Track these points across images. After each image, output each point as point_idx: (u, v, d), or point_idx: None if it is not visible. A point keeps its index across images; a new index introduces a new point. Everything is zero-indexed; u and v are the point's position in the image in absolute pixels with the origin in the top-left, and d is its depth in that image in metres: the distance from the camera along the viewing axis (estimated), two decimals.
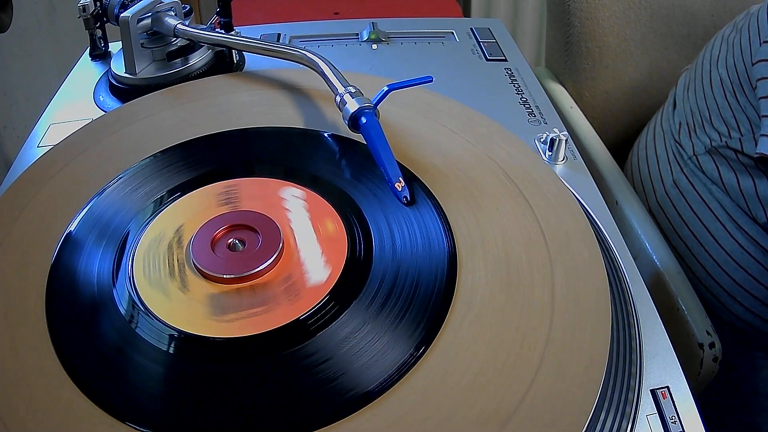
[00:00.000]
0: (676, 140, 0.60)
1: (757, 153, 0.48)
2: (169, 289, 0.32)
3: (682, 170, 0.58)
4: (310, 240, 0.34)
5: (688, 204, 0.58)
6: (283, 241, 0.34)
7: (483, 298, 0.31)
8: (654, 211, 0.62)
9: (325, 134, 0.42)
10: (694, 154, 0.57)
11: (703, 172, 0.56)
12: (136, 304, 0.31)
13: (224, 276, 0.32)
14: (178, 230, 0.35)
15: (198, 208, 0.36)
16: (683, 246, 0.58)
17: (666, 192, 0.61)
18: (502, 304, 0.31)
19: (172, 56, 0.51)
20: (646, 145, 0.67)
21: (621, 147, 0.80)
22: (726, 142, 0.53)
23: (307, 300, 0.31)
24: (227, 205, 0.36)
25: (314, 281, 0.32)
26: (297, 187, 0.37)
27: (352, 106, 0.39)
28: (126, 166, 0.39)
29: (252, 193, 0.37)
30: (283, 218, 0.35)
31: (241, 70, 0.54)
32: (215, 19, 0.53)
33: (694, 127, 0.57)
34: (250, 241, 0.34)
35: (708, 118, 0.56)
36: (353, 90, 0.40)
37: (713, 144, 0.55)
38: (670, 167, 0.60)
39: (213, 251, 0.33)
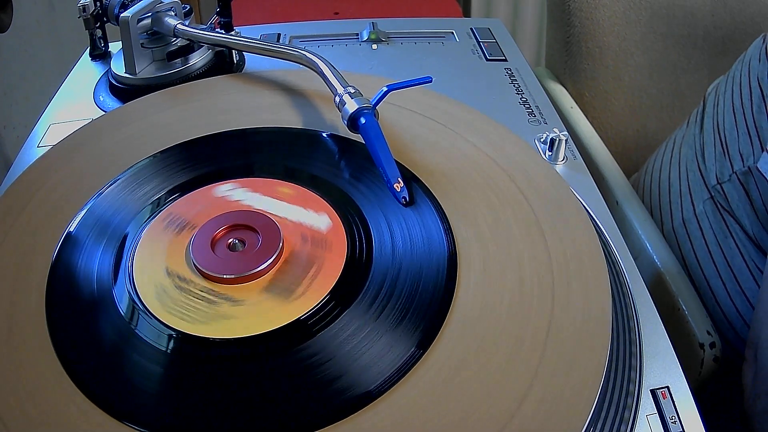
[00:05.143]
0: (699, 167, 0.53)
1: (755, 166, 0.44)
2: (169, 289, 0.32)
3: (695, 209, 0.52)
4: (310, 239, 0.34)
5: (693, 248, 0.52)
6: (283, 240, 0.34)
7: (483, 298, 0.31)
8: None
9: (325, 134, 0.42)
10: (718, 183, 0.50)
11: (728, 203, 0.49)
12: (135, 304, 0.31)
13: (224, 276, 0.32)
14: (177, 230, 0.35)
15: (197, 208, 0.36)
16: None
17: (674, 228, 0.55)
18: (502, 304, 0.31)
19: (172, 56, 0.51)
20: (661, 167, 0.60)
21: (621, 147, 0.80)
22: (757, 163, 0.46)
23: (308, 300, 0.31)
24: (226, 205, 0.36)
25: (314, 281, 0.32)
26: (297, 187, 0.37)
27: (351, 106, 0.39)
28: (126, 166, 0.39)
29: (251, 193, 0.37)
30: (284, 218, 0.35)
31: (241, 70, 0.54)
32: (215, 19, 0.53)
33: (725, 148, 0.50)
34: (250, 241, 0.34)
35: (741, 134, 0.48)
36: (352, 90, 0.40)
37: (746, 164, 0.47)
38: (681, 201, 0.54)
39: (213, 251, 0.33)
